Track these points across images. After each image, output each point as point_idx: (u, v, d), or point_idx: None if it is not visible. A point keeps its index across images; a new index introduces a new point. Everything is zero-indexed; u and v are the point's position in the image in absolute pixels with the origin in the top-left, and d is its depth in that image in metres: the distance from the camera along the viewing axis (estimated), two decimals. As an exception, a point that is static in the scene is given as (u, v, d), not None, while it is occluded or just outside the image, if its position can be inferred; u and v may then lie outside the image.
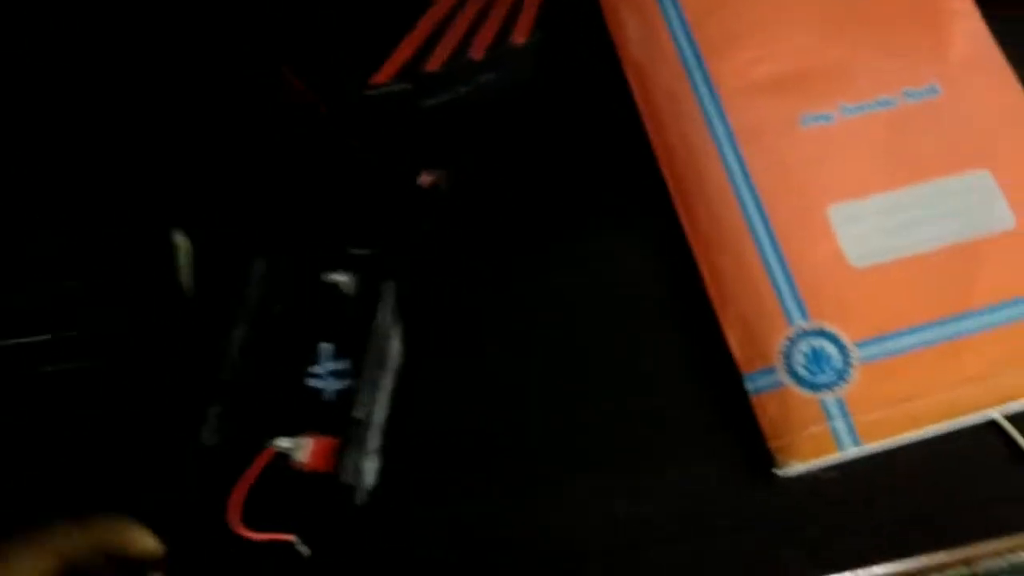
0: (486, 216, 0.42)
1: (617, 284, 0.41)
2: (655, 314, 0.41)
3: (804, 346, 0.38)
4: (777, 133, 0.42)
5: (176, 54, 0.44)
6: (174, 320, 0.33)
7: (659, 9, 0.45)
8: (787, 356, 0.38)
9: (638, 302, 0.41)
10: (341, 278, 0.30)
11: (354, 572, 0.35)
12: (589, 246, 0.42)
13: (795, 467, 0.37)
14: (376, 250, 0.36)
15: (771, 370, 0.38)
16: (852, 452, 0.37)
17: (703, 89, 0.44)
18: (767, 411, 0.38)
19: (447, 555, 0.36)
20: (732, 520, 0.37)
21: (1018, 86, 0.43)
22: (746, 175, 0.41)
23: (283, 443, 0.27)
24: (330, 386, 0.29)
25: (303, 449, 0.28)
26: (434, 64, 0.40)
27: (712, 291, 0.40)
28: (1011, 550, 0.39)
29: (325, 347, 0.29)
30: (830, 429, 0.37)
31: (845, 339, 0.38)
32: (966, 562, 0.39)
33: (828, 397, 0.37)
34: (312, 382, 0.29)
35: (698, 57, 0.44)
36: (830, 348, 0.38)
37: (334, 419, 0.28)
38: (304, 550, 0.29)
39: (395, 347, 0.35)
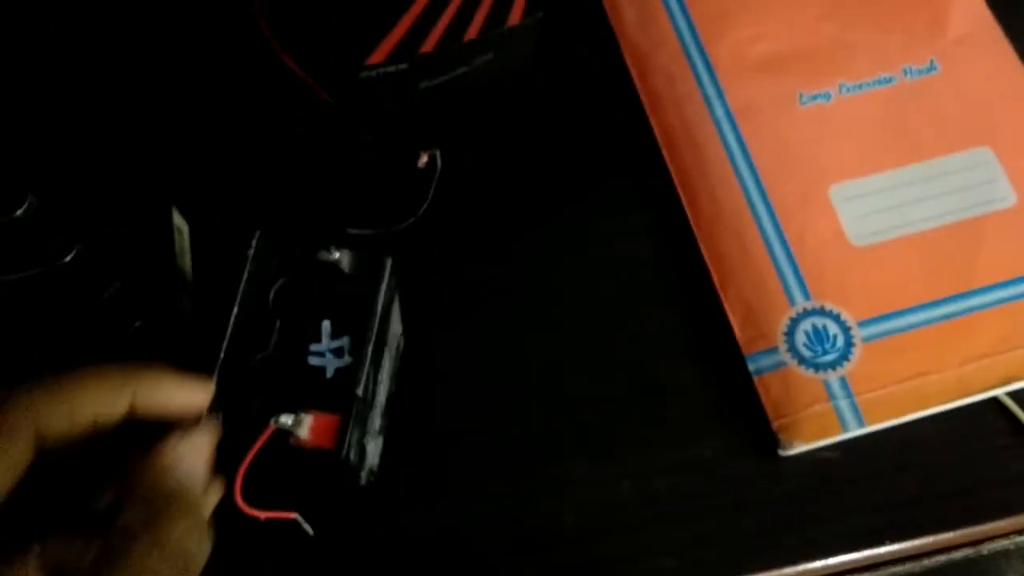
0: (486, 198, 0.42)
1: (618, 265, 0.41)
2: (657, 295, 0.40)
3: (806, 326, 0.38)
4: (776, 112, 0.42)
5: (171, 36, 0.43)
6: (174, 302, 0.32)
7: (656, -11, 0.45)
8: (789, 336, 0.38)
9: (639, 283, 0.41)
10: (339, 256, 0.29)
11: (357, 551, 0.35)
12: (589, 227, 0.42)
13: (799, 447, 0.36)
14: (374, 230, 0.36)
15: (773, 350, 0.38)
16: (855, 431, 0.37)
17: (701, 69, 0.43)
18: (770, 391, 0.37)
19: (451, 535, 0.36)
20: (736, 500, 0.37)
21: (1018, 62, 0.43)
22: (746, 155, 0.41)
23: (285, 419, 0.27)
24: (330, 364, 0.28)
25: (304, 425, 0.27)
26: (429, 45, 0.39)
27: (714, 272, 0.40)
28: (1018, 531, 0.39)
29: (325, 325, 0.29)
30: (833, 408, 0.37)
31: (847, 318, 0.38)
32: (972, 543, 0.39)
33: (831, 377, 0.37)
34: (313, 360, 0.28)
35: (696, 37, 0.44)
36: (832, 327, 0.38)
37: (335, 396, 0.28)
38: (307, 528, 0.29)
39: (395, 327, 0.34)
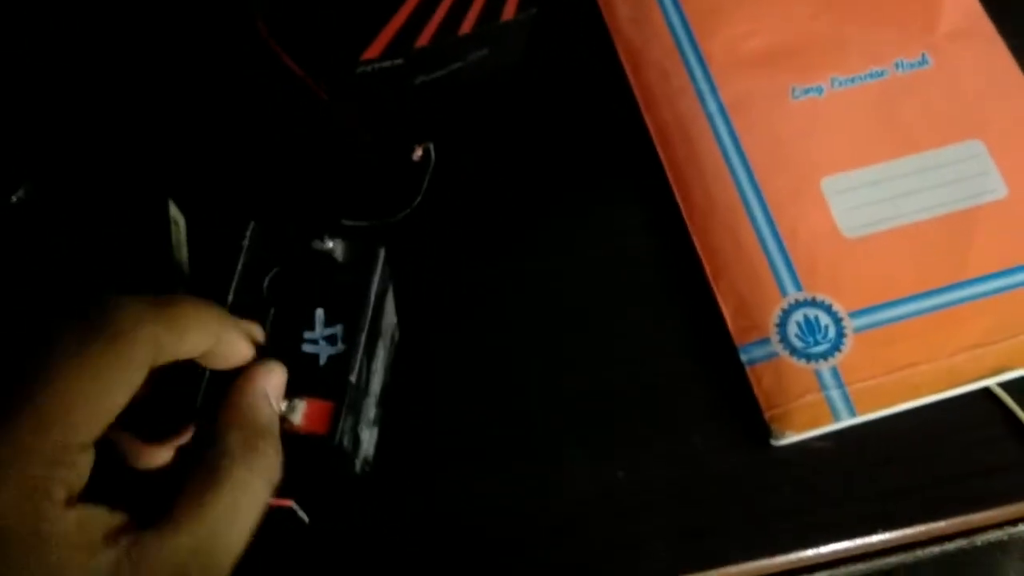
0: (479, 191, 0.42)
1: (611, 257, 0.41)
2: (650, 287, 0.41)
3: (798, 316, 0.38)
4: (769, 106, 0.42)
5: (169, 31, 0.44)
6: (172, 292, 0.33)
7: (649, -16, 0.45)
8: (781, 327, 0.38)
9: (633, 274, 0.41)
10: (333, 246, 0.30)
11: (352, 540, 0.35)
12: (582, 220, 0.42)
13: (791, 436, 0.37)
14: (369, 222, 0.36)
15: (766, 341, 0.38)
16: (847, 421, 0.37)
17: (694, 64, 0.44)
18: (762, 382, 0.38)
19: (446, 525, 0.36)
20: (729, 489, 0.37)
21: (1009, 56, 0.43)
22: (739, 149, 0.42)
23: (279, 405, 0.27)
24: (323, 351, 0.29)
25: (298, 411, 0.28)
26: (424, 40, 0.39)
27: (706, 264, 0.40)
28: (1010, 521, 0.39)
29: (319, 313, 0.29)
30: (825, 398, 0.37)
31: (839, 309, 0.38)
32: (965, 533, 0.39)
33: (823, 367, 0.37)
34: (307, 347, 0.29)
35: (689, 32, 0.44)
36: (824, 318, 0.38)
37: (328, 383, 0.28)
38: (303, 516, 0.29)
39: (390, 318, 0.34)
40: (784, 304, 0.39)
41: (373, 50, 0.39)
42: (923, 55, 0.43)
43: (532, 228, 0.42)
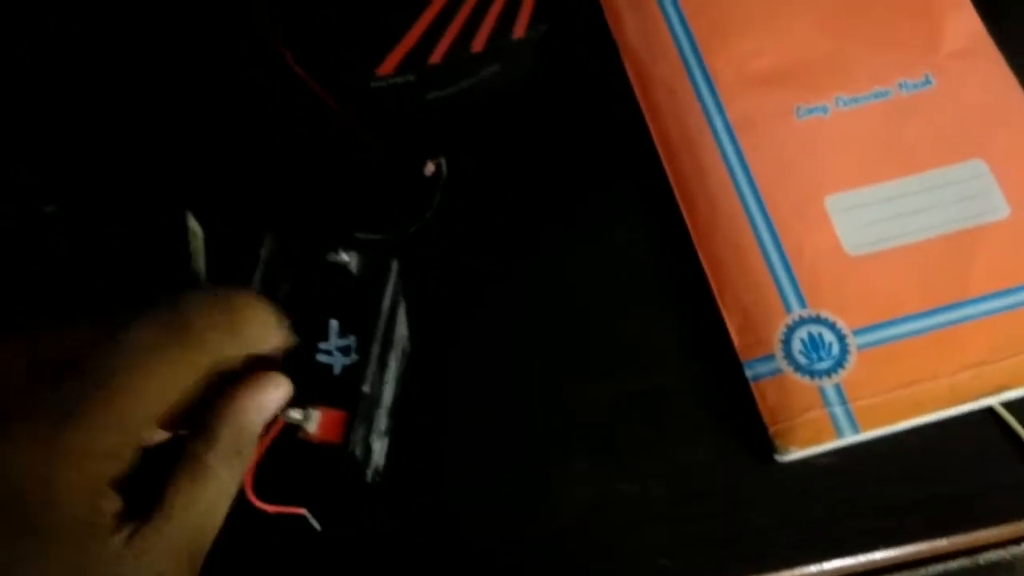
0: (489, 205, 0.43)
1: (618, 272, 0.42)
2: (657, 302, 0.41)
3: (802, 333, 0.39)
4: (774, 125, 0.43)
5: (185, 45, 0.45)
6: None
7: (656, 3, 0.46)
8: (786, 343, 0.39)
9: (639, 289, 0.41)
10: (347, 258, 0.30)
11: (362, 548, 0.36)
12: (591, 235, 0.42)
13: (794, 452, 0.37)
14: (382, 235, 0.37)
15: (770, 357, 0.39)
16: (851, 438, 0.37)
17: (701, 82, 0.44)
18: (766, 397, 0.38)
19: (453, 536, 0.36)
20: (732, 504, 0.37)
21: (1012, 77, 0.44)
22: (744, 166, 0.42)
23: (294, 414, 0.28)
24: (338, 361, 0.29)
25: (312, 420, 0.28)
26: (436, 56, 0.40)
27: (712, 279, 0.41)
28: (1013, 540, 0.39)
29: (333, 324, 0.30)
30: (828, 415, 0.37)
31: (843, 326, 0.39)
32: (968, 552, 0.39)
33: (826, 384, 0.38)
34: (321, 358, 0.29)
35: (696, 51, 0.45)
36: (828, 335, 0.39)
37: (342, 393, 0.29)
38: (315, 523, 0.30)
39: (401, 330, 0.35)
40: (788, 321, 0.39)
41: (387, 66, 0.40)
42: (926, 76, 0.44)
43: (540, 240, 0.42)
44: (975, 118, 0.43)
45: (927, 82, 0.44)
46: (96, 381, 0.23)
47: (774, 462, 0.38)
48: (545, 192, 0.43)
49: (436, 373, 0.39)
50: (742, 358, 0.39)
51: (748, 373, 0.39)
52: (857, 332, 0.39)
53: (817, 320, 0.39)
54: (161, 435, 0.26)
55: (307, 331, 0.30)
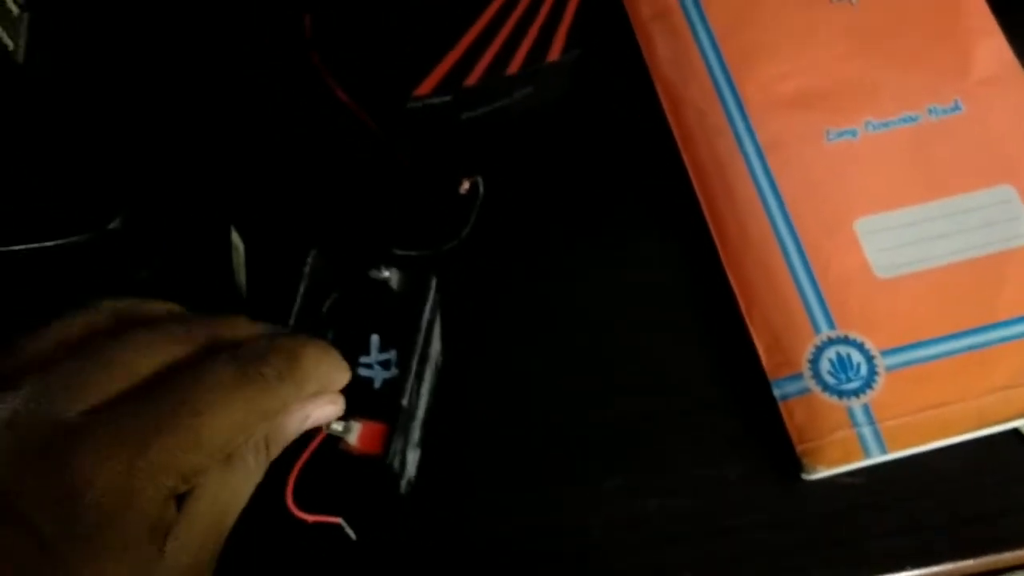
0: (524, 223, 0.44)
1: (647, 290, 0.42)
2: (685, 320, 0.42)
3: (831, 354, 0.39)
4: (804, 148, 0.44)
5: (229, 67, 0.46)
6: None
7: (688, 27, 0.47)
8: (814, 363, 0.39)
9: (669, 308, 0.42)
10: (388, 274, 0.31)
11: (394, 557, 0.36)
12: (621, 254, 0.43)
13: (822, 471, 0.37)
14: (420, 252, 0.38)
15: (798, 376, 0.39)
16: (878, 458, 0.37)
17: (731, 105, 0.45)
18: (794, 416, 0.39)
19: (482, 548, 0.37)
20: (759, 521, 0.38)
21: (1041, 104, 0.44)
22: (774, 188, 0.43)
23: (335, 426, 0.29)
24: (378, 375, 0.30)
25: (353, 432, 0.29)
26: (473, 79, 0.41)
27: (740, 299, 0.41)
28: (1037, 562, 0.39)
29: (374, 338, 0.31)
30: (857, 435, 0.38)
31: (871, 347, 0.39)
32: (993, 573, 0.39)
33: (854, 404, 0.38)
34: (362, 371, 0.30)
35: (726, 74, 0.46)
36: (856, 356, 0.39)
37: (382, 406, 0.30)
38: (351, 533, 0.31)
39: (436, 344, 0.36)
40: (817, 341, 0.39)
41: (425, 87, 0.41)
42: (956, 101, 0.44)
43: (572, 258, 0.43)
44: (1004, 144, 0.43)
45: (956, 108, 0.44)
46: (184, 404, 0.24)
47: (801, 481, 0.38)
48: (576, 211, 0.44)
49: (466, 387, 0.40)
50: (770, 377, 0.39)
51: (776, 392, 0.39)
52: (885, 353, 0.39)
53: (846, 341, 0.39)
54: None
55: (349, 345, 0.30)
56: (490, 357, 0.40)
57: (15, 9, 0.37)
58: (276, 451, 0.28)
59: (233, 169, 0.44)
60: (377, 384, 0.30)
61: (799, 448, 0.38)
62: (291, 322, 0.31)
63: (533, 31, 0.42)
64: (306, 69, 0.44)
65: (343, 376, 0.29)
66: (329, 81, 0.43)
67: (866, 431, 0.38)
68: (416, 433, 0.35)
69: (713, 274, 0.42)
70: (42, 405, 0.24)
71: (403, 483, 0.34)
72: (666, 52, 0.47)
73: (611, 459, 0.39)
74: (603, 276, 0.43)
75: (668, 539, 0.37)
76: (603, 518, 0.38)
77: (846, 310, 0.40)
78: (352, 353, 0.30)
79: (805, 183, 0.43)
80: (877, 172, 0.43)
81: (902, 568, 0.37)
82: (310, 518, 0.29)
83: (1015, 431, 0.39)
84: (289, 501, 0.29)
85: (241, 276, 0.35)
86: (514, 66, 0.42)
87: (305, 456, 0.29)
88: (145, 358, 0.25)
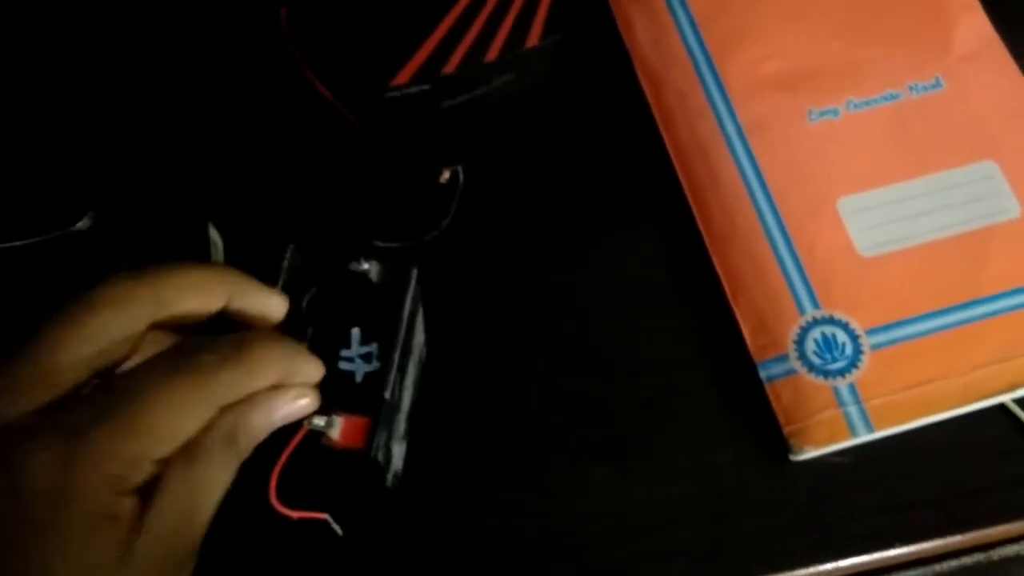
0: (506, 212, 0.43)
1: (633, 276, 0.42)
2: (671, 305, 0.42)
3: (816, 334, 0.39)
4: (786, 128, 0.43)
5: (205, 60, 0.45)
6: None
7: (668, 9, 0.47)
8: (799, 344, 0.39)
9: (653, 293, 0.42)
10: (368, 267, 0.31)
11: (382, 551, 0.36)
12: (605, 240, 0.43)
13: (809, 452, 0.37)
14: (400, 243, 0.38)
15: (784, 358, 0.39)
16: (865, 437, 0.38)
17: (713, 87, 0.45)
18: (781, 398, 0.39)
19: (472, 540, 0.37)
20: (748, 503, 0.38)
21: (1021, 77, 0.44)
22: (756, 170, 0.43)
23: (317, 421, 0.29)
24: (360, 369, 0.30)
25: (335, 427, 0.29)
26: (451, 67, 0.41)
27: (725, 282, 0.41)
28: (1025, 535, 0.40)
29: (355, 332, 0.30)
30: (843, 415, 0.38)
31: (856, 327, 0.39)
32: (982, 548, 0.40)
33: (840, 384, 0.38)
34: (344, 365, 0.30)
35: (707, 56, 0.45)
36: (842, 336, 0.39)
37: (364, 399, 0.30)
38: (337, 529, 0.30)
39: (419, 336, 0.36)
40: (802, 322, 0.39)
41: (402, 77, 0.40)
42: (937, 78, 0.44)
43: (555, 246, 0.43)
44: (986, 120, 0.43)
45: (937, 84, 0.44)
46: (122, 394, 0.25)
47: (789, 462, 0.38)
48: (559, 198, 0.44)
49: (452, 378, 0.40)
50: (756, 359, 0.39)
51: (762, 374, 0.39)
52: (870, 332, 0.39)
53: (830, 321, 0.39)
54: None
55: (330, 339, 0.30)
56: (474, 348, 0.40)
57: None
58: (246, 445, 0.27)
59: (210, 164, 0.44)
60: (359, 378, 0.30)
61: (786, 429, 0.38)
62: None
63: (511, 17, 0.41)
64: (283, 62, 0.44)
65: (308, 367, 0.28)
66: (306, 73, 0.43)
67: (852, 410, 0.38)
68: (401, 426, 0.35)
69: (697, 258, 0.42)
70: None
71: (389, 477, 0.34)
72: (646, 35, 0.47)
73: (599, 448, 0.39)
74: (586, 263, 0.42)
75: (659, 526, 0.37)
76: (593, 507, 0.38)
77: (830, 290, 0.40)
78: (333, 347, 0.30)
79: (787, 164, 0.43)
80: (859, 151, 0.43)
81: (892, 546, 0.37)
82: (295, 514, 0.29)
83: (1001, 406, 0.39)
84: (273, 498, 0.29)
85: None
86: (493, 53, 0.41)
87: (287, 452, 0.29)
88: (83, 351, 0.25)
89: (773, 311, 0.40)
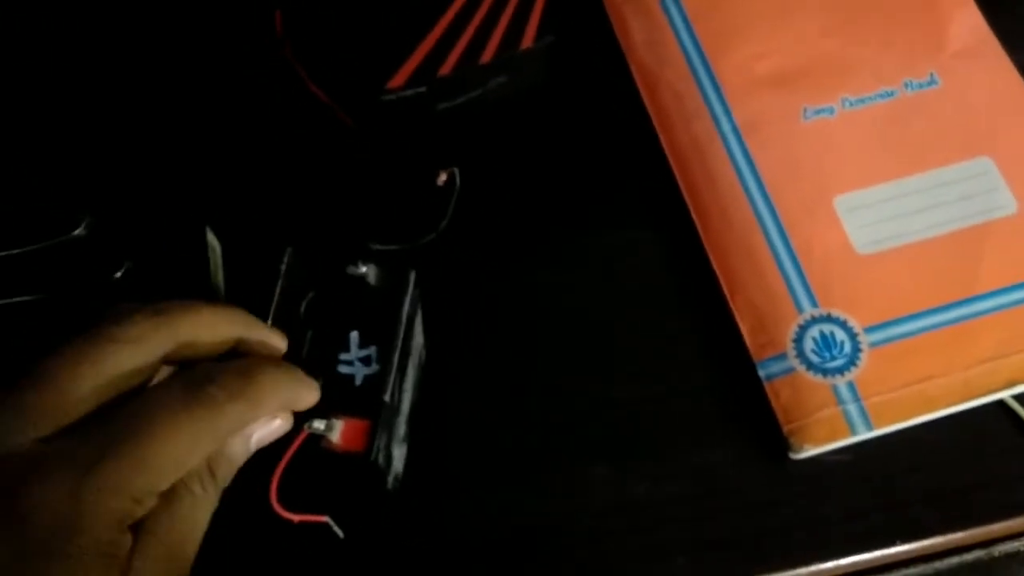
0: (503, 214, 0.43)
1: (630, 276, 0.42)
2: (669, 305, 0.42)
3: (814, 332, 0.39)
4: (781, 127, 0.43)
5: (201, 64, 0.45)
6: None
7: (662, 9, 0.47)
8: (798, 343, 0.39)
9: (652, 293, 0.42)
10: (366, 270, 0.31)
11: (383, 554, 0.36)
12: (602, 240, 0.43)
13: (809, 450, 0.37)
14: (397, 246, 0.38)
15: (782, 357, 0.39)
16: (864, 435, 0.38)
17: (708, 86, 0.45)
18: (780, 396, 0.39)
19: (474, 541, 0.37)
20: (749, 502, 0.38)
21: (1016, 74, 0.44)
22: (753, 169, 0.43)
23: (317, 424, 0.29)
24: (359, 372, 0.30)
25: (335, 430, 0.29)
26: (446, 69, 0.41)
27: (723, 281, 0.41)
28: (1026, 531, 0.40)
29: (354, 335, 0.30)
30: (842, 412, 0.38)
31: (854, 324, 0.39)
32: (983, 544, 0.40)
33: (839, 382, 0.38)
34: (343, 368, 0.30)
35: (701, 55, 0.45)
36: (840, 334, 0.39)
37: (364, 402, 0.30)
38: (338, 531, 0.30)
39: (418, 338, 0.36)
40: (800, 320, 0.40)
41: (397, 79, 0.40)
42: (931, 75, 0.44)
43: (553, 246, 0.43)
44: (981, 116, 0.43)
45: (932, 81, 0.44)
46: (131, 427, 0.25)
47: (789, 460, 0.38)
48: (556, 199, 0.44)
49: (452, 380, 0.40)
50: (755, 358, 0.40)
51: (761, 373, 0.39)
52: (868, 330, 0.39)
53: (828, 319, 0.39)
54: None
55: (328, 343, 0.30)
56: (473, 349, 0.40)
57: None
58: (227, 475, 0.28)
59: (207, 169, 0.44)
60: (358, 381, 0.30)
61: (786, 428, 0.38)
62: (269, 321, 0.31)
63: (505, 18, 0.41)
64: (278, 66, 0.44)
65: (309, 394, 0.29)
66: (302, 76, 0.43)
67: (851, 408, 0.38)
68: (401, 429, 0.35)
69: (695, 257, 0.42)
70: (4, 436, 0.24)
71: (390, 479, 0.34)
72: (641, 35, 0.47)
73: (598, 447, 0.39)
74: (584, 263, 0.42)
75: (659, 524, 0.37)
76: (593, 506, 0.38)
77: (828, 288, 0.40)
78: (332, 350, 0.30)
79: (784, 162, 0.43)
80: (855, 148, 0.43)
81: (892, 543, 0.37)
82: (296, 518, 0.29)
83: (1000, 403, 0.39)
84: (274, 501, 0.29)
85: (218, 277, 0.35)
86: (487, 55, 0.41)
87: (287, 456, 0.29)
88: (97, 383, 0.26)
89: (771, 310, 0.40)
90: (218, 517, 0.27)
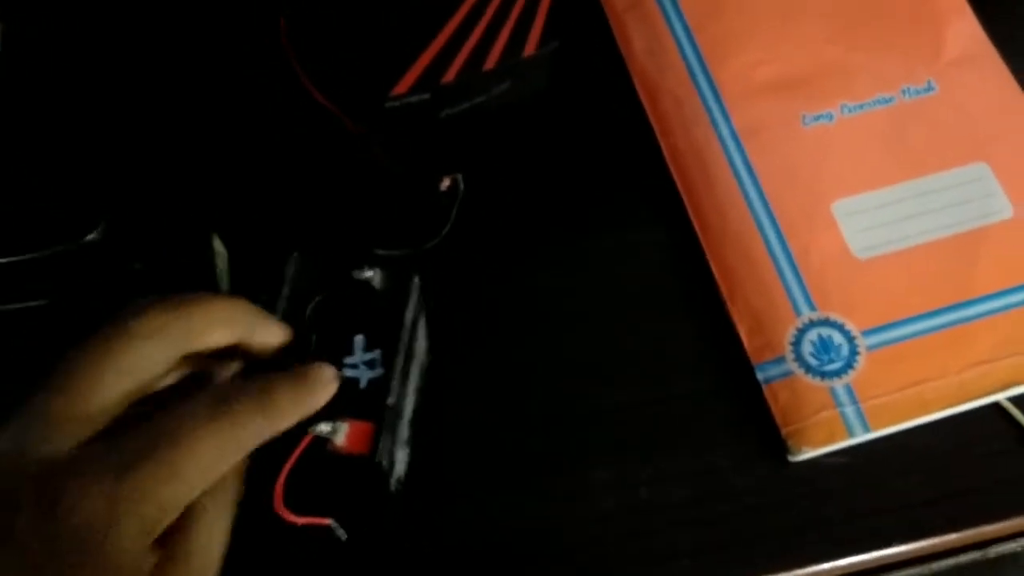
0: (505, 219, 0.44)
1: (630, 281, 0.43)
2: (669, 309, 0.42)
3: (812, 336, 0.40)
4: (780, 133, 0.44)
5: (207, 71, 0.46)
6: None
7: (662, 17, 0.47)
8: (796, 346, 0.40)
9: (652, 296, 0.42)
10: (371, 275, 0.32)
11: (386, 557, 0.37)
12: (604, 244, 0.43)
13: (807, 452, 0.38)
14: (401, 251, 0.38)
15: (781, 360, 0.39)
16: (862, 437, 0.38)
17: (707, 93, 0.45)
18: (778, 399, 0.39)
19: (475, 544, 0.37)
20: (748, 504, 0.38)
21: (1012, 80, 0.45)
22: (752, 174, 0.43)
23: (323, 427, 0.29)
24: (363, 375, 0.30)
25: (340, 433, 0.29)
26: (450, 76, 0.41)
27: (722, 284, 0.42)
28: (1022, 532, 0.40)
29: (359, 339, 0.31)
30: (840, 415, 0.38)
31: (852, 328, 0.40)
32: (979, 545, 0.40)
33: (837, 384, 0.39)
34: (348, 372, 0.30)
35: (701, 62, 0.46)
36: (837, 337, 0.40)
37: (368, 406, 0.30)
38: (341, 534, 0.31)
39: (421, 342, 0.36)
40: (798, 324, 0.40)
41: (402, 86, 0.41)
42: (929, 81, 0.45)
43: (554, 250, 0.43)
44: (977, 122, 0.44)
45: (930, 88, 0.45)
46: (162, 437, 0.25)
47: (787, 462, 0.39)
48: (557, 204, 0.44)
49: (454, 384, 0.40)
50: (753, 361, 0.40)
51: (760, 376, 0.40)
52: (866, 333, 0.40)
53: (826, 322, 0.40)
54: None
55: (333, 346, 0.31)
56: (477, 353, 0.41)
57: None
58: (233, 484, 0.28)
59: (213, 175, 0.44)
60: (363, 384, 0.31)
61: (784, 431, 0.38)
62: None
63: (508, 26, 0.42)
64: (283, 72, 0.44)
65: (325, 396, 0.30)
66: (306, 83, 0.43)
67: (849, 411, 0.38)
68: (404, 432, 0.35)
69: (694, 261, 0.43)
70: (39, 444, 0.25)
71: (393, 482, 0.34)
72: (641, 42, 0.47)
73: (600, 451, 0.39)
74: (585, 267, 0.43)
75: (660, 528, 0.38)
76: (595, 510, 0.38)
77: (826, 292, 0.40)
78: (337, 354, 0.31)
79: (782, 168, 0.43)
80: (853, 154, 0.43)
81: (890, 544, 0.38)
82: (300, 520, 0.30)
83: (996, 405, 0.40)
84: (278, 504, 0.29)
85: (225, 282, 0.36)
86: (491, 62, 0.42)
87: (293, 459, 0.29)
88: (121, 383, 0.26)
89: (769, 313, 0.40)
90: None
